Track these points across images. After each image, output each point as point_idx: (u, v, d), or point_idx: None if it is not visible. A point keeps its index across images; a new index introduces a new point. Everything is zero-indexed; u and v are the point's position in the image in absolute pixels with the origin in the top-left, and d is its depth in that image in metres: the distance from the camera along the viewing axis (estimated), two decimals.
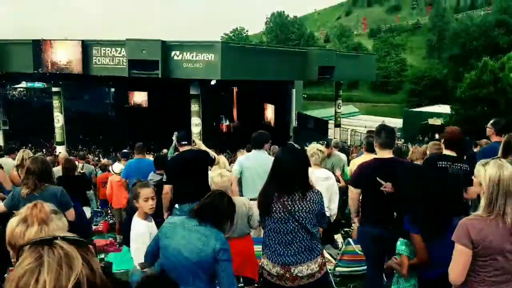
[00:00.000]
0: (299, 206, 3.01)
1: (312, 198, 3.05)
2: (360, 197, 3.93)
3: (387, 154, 3.81)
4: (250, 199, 4.17)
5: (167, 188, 4.85)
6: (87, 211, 6.76)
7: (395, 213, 3.71)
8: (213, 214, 2.80)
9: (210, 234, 2.71)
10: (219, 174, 3.89)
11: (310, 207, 3.03)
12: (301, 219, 3.00)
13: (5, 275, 4.29)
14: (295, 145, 3.29)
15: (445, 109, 34.27)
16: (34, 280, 0.92)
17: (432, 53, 70.95)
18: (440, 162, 3.99)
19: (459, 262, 2.45)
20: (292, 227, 3.02)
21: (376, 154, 5.53)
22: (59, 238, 1.02)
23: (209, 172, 5.02)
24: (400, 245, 3.32)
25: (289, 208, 3.00)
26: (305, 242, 3.04)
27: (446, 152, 4.10)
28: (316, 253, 3.10)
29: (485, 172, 2.47)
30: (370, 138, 5.81)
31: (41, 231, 1.65)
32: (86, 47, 21.52)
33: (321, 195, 3.15)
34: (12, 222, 1.68)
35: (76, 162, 8.03)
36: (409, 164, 4.39)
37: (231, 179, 4.25)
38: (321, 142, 6.67)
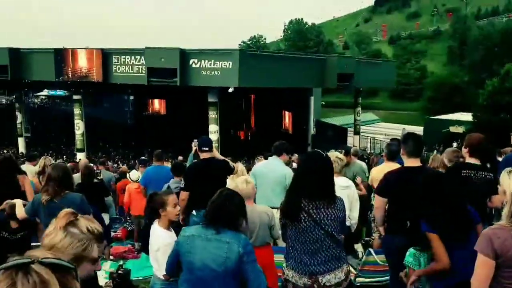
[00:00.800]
0: (325, 214, 2.95)
1: (336, 205, 3.01)
2: (386, 207, 3.82)
3: (414, 162, 3.69)
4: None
5: (184, 194, 4.82)
6: (106, 218, 6.78)
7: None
8: (226, 215, 2.75)
9: (231, 239, 2.67)
10: (245, 181, 3.82)
11: (336, 214, 2.99)
12: (327, 227, 2.94)
13: None
14: (319, 151, 3.21)
15: (467, 116, 33.70)
16: None
17: (453, 60, 69.91)
18: (464, 171, 3.88)
19: (482, 273, 2.36)
20: (318, 236, 2.94)
21: (396, 162, 5.48)
22: (36, 261, 0.95)
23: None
24: (409, 256, 3.21)
25: (315, 216, 2.94)
26: (332, 251, 2.98)
27: (470, 160, 3.98)
28: (343, 261, 3.06)
29: (510, 180, 2.39)
30: (392, 146, 5.69)
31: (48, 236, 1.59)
32: (106, 55, 21.87)
33: (343, 202, 3.10)
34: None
35: (95, 169, 8.09)
36: (435, 171, 4.26)
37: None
38: (339, 150, 6.58)
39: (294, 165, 9.08)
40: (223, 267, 2.64)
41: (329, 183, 3.02)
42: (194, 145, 5.34)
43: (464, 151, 4.11)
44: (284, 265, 3.10)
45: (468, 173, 3.87)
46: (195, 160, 5.32)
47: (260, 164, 5.60)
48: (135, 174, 7.85)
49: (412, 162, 3.70)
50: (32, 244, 4.62)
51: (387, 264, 4.17)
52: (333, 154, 4.79)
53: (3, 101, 48.79)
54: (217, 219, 2.72)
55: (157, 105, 41.45)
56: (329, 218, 2.95)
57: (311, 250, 2.95)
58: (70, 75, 22.54)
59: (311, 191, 2.96)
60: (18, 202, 4.14)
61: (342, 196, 3.58)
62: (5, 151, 27.31)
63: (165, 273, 3.15)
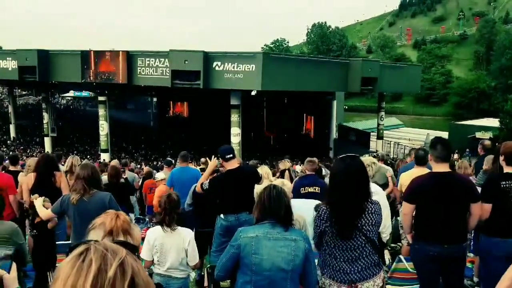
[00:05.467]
0: (366, 219, 2.86)
1: (374, 210, 2.91)
2: (414, 213, 3.71)
3: (443, 168, 3.57)
4: None
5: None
6: (131, 218, 6.83)
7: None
8: (289, 211, 2.76)
9: (296, 236, 2.70)
10: (281, 183, 3.79)
11: (375, 219, 2.90)
12: (368, 233, 2.86)
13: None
14: (354, 155, 3.11)
15: (494, 122, 32.99)
16: (81, 260, 0.94)
17: (480, 65, 68.62)
18: (503, 182, 3.73)
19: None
20: (359, 242, 2.86)
21: (426, 167, 5.37)
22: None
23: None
24: None
25: (356, 222, 2.85)
26: (371, 257, 2.90)
27: (507, 169, 3.82)
28: (380, 267, 2.98)
29: None
30: (420, 152, 5.66)
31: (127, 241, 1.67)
32: (131, 57, 22.13)
33: (379, 205, 3.00)
34: (94, 236, 1.66)
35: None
36: (468, 178, 4.10)
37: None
38: (374, 154, 6.52)
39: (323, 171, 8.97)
40: (292, 265, 2.64)
41: (364, 186, 2.93)
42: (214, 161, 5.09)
43: (500, 159, 3.95)
44: (319, 273, 2.98)
45: (507, 184, 3.72)
46: (220, 172, 5.15)
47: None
48: (160, 175, 7.97)
49: (440, 168, 3.57)
50: (63, 242, 4.68)
51: None
52: (367, 158, 4.68)
53: (31, 101, 50.11)
54: (286, 217, 2.73)
55: (180, 107, 41.86)
56: (369, 224, 2.87)
57: (351, 257, 2.87)
58: (96, 76, 22.90)
59: (348, 196, 2.86)
60: (38, 203, 4.15)
61: None
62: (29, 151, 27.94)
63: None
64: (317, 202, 5.10)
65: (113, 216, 1.71)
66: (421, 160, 5.57)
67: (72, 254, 0.98)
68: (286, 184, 3.84)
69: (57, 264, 4.44)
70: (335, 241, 2.89)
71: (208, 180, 4.80)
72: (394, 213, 7.18)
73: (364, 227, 2.85)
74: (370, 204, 2.91)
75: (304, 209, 4.74)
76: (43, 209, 4.08)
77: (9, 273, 1.83)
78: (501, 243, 3.68)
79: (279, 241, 2.67)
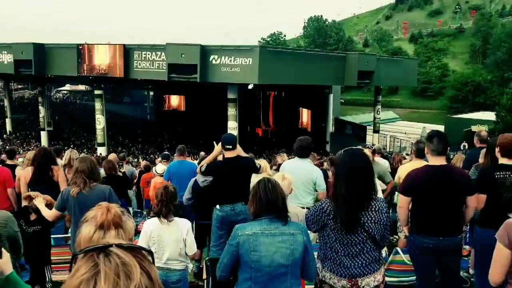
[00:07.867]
0: (368, 216, 2.85)
1: (379, 208, 2.89)
2: (410, 206, 3.73)
3: (439, 161, 3.59)
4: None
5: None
6: (129, 211, 6.84)
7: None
8: (285, 204, 2.75)
9: (294, 229, 2.70)
10: (282, 176, 3.77)
11: (378, 217, 2.87)
12: (370, 229, 2.85)
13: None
14: (359, 148, 3.11)
15: (490, 116, 33.10)
16: None
17: (476, 58, 68.66)
18: (498, 173, 3.76)
19: (496, 261, 2.48)
20: (361, 238, 2.86)
21: (424, 160, 5.41)
22: (114, 245, 0.96)
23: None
24: None
25: (360, 216, 2.84)
26: (372, 253, 2.90)
27: (502, 161, 3.85)
28: (381, 263, 2.98)
29: None
30: (421, 144, 5.69)
31: (118, 235, 1.64)
32: (128, 51, 22.03)
33: (386, 204, 2.98)
34: (86, 230, 1.65)
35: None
36: (464, 171, 4.12)
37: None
38: (368, 145, 6.50)
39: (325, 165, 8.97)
40: (292, 259, 2.64)
41: (372, 183, 2.93)
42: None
43: (496, 150, 3.98)
44: (319, 266, 3.00)
45: (502, 174, 3.75)
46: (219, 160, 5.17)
47: (289, 161, 5.56)
48: (160, 168, 7.97)
49: (437, 161, 3.60)
50: (64, 235, 4.67)
51: None
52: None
53: (27, 95, 49.87)
54: (284, 211, 2.72)
55: (177, 101, 41.74)
56: (373, 221, 2.86)
57: (352, 252, 2.87)
58: (92, 70, 22.80)
59: (352, 191, 2.84)
60: (40, 205, 4.11)
61: None
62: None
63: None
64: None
65: (104, 210, 1.70)
66: (421, 152, 5.62)
67: (78, 274, 0.89)
68: (287, 178, 3.83)
69: (53, 258, 4.44)
70: (337, 235, 2.89)
71: (206, 164, 4.83)
72: (391, 206, 7.22)
73: (366, 224, 2.85)
74: (375, 202, 2.90)
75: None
76: (46, 209, 4.06)
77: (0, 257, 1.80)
78: (495, 234, 3.72)
79: (277, 236, 2.65)
